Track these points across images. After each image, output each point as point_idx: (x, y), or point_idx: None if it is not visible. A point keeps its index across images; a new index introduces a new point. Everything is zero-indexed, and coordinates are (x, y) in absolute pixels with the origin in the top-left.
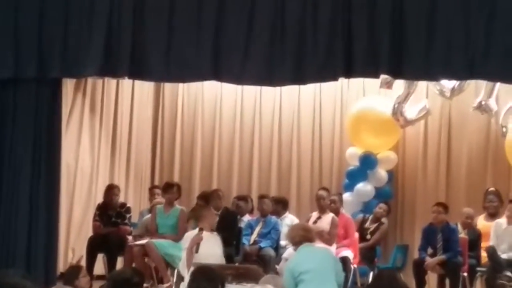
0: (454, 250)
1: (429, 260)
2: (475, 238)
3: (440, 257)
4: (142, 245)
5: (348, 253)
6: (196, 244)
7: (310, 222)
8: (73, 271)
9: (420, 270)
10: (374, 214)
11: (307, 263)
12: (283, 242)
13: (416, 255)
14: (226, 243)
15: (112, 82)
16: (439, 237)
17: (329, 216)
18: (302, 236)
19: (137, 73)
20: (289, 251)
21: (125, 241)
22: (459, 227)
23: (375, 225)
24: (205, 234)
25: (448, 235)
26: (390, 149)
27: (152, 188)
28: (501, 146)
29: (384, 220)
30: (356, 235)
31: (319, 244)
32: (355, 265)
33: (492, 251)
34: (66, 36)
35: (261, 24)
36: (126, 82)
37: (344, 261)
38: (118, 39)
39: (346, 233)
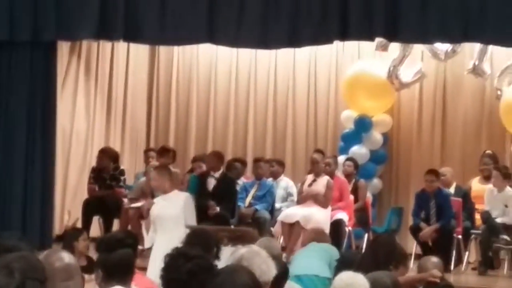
0: (448, 216)
1: (423, 231)
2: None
3: (434, 226)
4: (138, 208)
5: (343, 215)
6: (146, 210)
7: (305, 185)
8: (75, 232)
9: (418, 236)
10: (343, 173)
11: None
12: (278, 205)
13: (411, 218)
14: (223, 207)
15: (107, 45)
16: (432, 204)
17: (324, 179)
18: (312, 238)
19: (131, 36)
20: (284, 214)
21: (120, 204)
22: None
23: (350, 184)
24: (167, 195)
25: (441, 201)
26: (385, 112)
27: (147, 151)
28: (495, 109)
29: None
30: (351, 197)
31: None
32: (350, 228)
33: (487, 216)
34: None
35: None
36: (121, 45)
37: (339, 224)
38: (112, 2)
39: (341, 196)
